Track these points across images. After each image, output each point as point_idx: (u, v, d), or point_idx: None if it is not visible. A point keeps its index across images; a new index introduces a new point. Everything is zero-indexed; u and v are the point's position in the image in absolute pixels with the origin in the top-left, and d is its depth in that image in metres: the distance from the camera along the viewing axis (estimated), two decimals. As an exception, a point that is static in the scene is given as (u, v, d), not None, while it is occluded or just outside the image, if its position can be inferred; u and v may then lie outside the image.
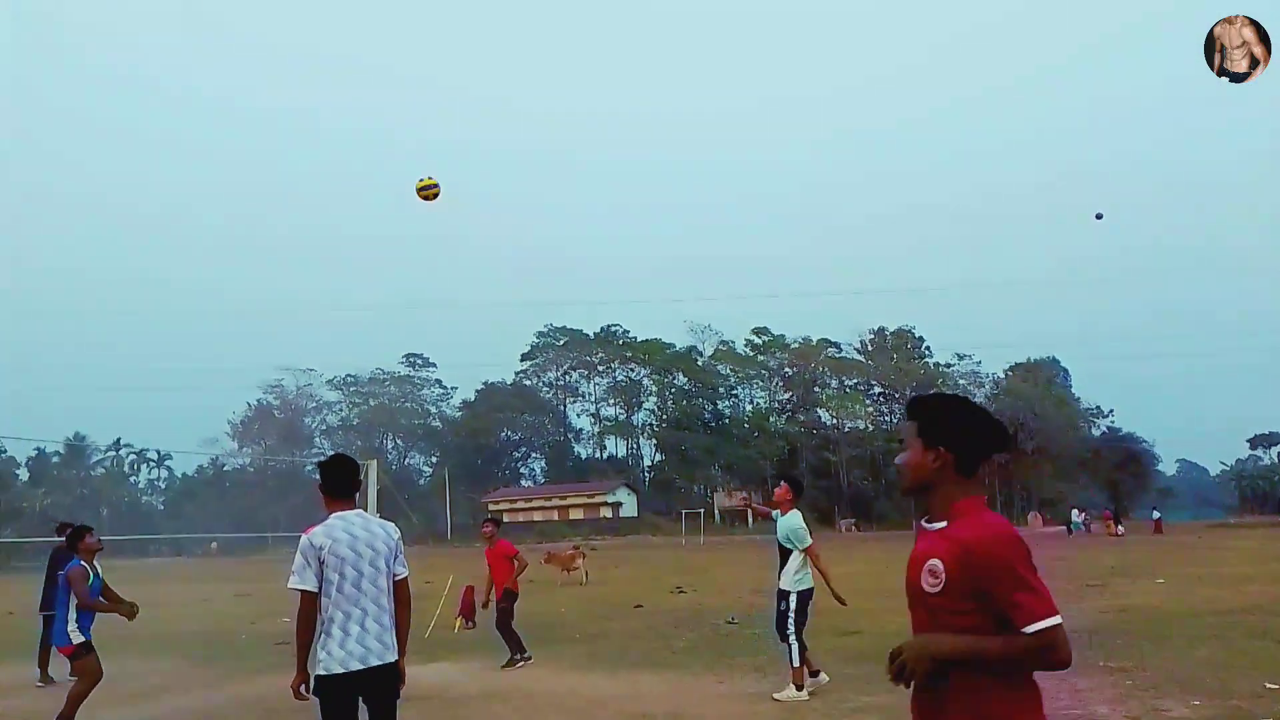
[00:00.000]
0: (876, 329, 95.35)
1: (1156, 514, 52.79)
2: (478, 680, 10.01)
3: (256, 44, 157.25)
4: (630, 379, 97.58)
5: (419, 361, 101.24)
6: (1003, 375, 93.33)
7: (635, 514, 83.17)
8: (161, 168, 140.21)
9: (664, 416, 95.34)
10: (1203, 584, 17.53)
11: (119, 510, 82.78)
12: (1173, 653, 9.70)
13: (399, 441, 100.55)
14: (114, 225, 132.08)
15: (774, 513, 8.71)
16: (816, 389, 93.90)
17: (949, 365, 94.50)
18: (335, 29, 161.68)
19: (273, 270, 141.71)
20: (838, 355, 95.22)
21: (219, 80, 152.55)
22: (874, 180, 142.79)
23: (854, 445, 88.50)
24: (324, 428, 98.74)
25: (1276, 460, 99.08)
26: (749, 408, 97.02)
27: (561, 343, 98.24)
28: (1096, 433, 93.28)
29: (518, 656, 10.63)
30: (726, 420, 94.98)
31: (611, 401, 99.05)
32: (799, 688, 8.09)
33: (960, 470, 2.48)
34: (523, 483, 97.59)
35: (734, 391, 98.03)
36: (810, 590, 8.36)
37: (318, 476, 4.70)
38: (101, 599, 7.86)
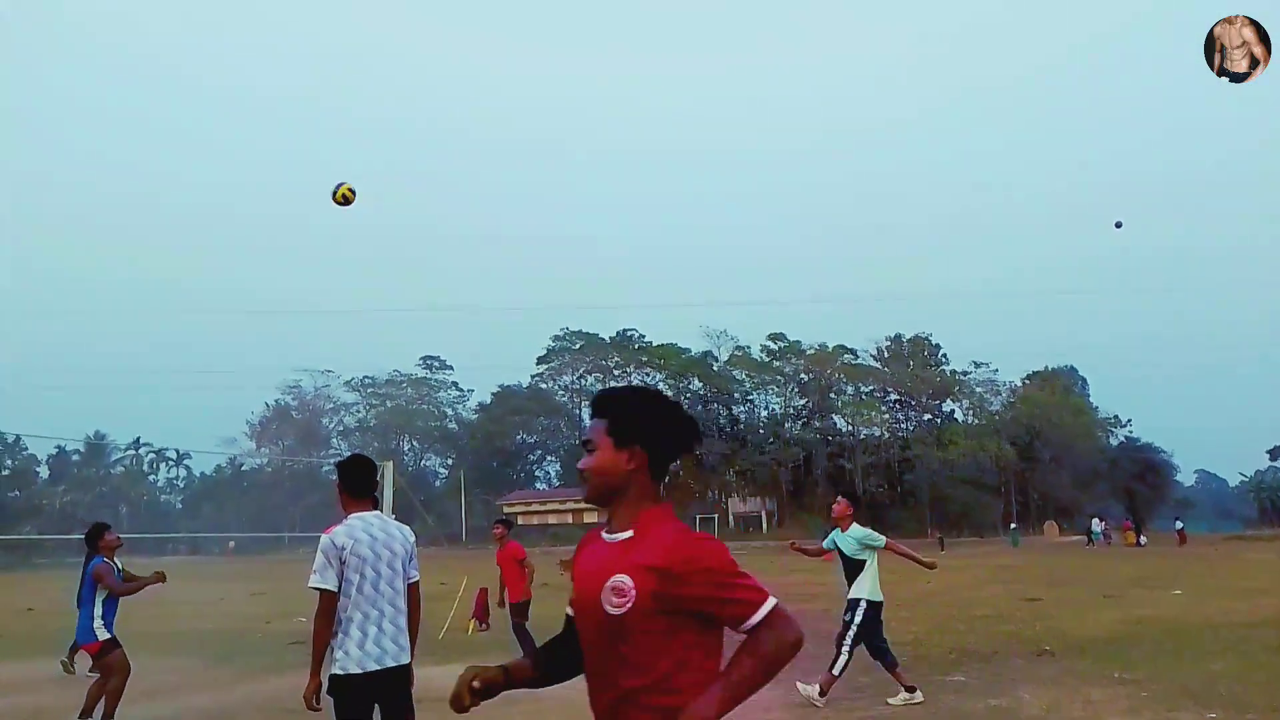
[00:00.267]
0: (893, 336, 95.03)
1: (1179, 525, 50.97)
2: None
3: (279, 34, 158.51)
4: (645, 383, 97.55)
5: (436, 364, 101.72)
6: (1020, 383, 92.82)
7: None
8: (183, 165, 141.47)
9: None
10: (1220, 596, 17.39)
11: (138, 508, 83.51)
12: (1188, 665, 9.63)
13: (415, 443, 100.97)
14: (134, 223, 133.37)
15: (833, 532, 8.60)
16: (832, 395, 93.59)
17: (965, 373, 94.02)
18: (351, 21, 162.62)
19: (291, 271, 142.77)
20: (854, 362, 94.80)
21: (240, 74, 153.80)
22: (891, 185, 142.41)
23: (869, 452, 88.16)
24: (341, 429, 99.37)
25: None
26: (764, 414, 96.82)
27: (577, 347, 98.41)
28: (1114, 442, 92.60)
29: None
30: (741, 426, 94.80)
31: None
32: (822, 693, 7.98)
33: (653, 473, 2.25)
34: (537, 485, 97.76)
35: (749, 397, 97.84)
36: (881, 603, 8.30)
37: (336, 477, 4.76)
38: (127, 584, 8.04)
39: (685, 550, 2.11)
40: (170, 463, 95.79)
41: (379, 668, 4.41)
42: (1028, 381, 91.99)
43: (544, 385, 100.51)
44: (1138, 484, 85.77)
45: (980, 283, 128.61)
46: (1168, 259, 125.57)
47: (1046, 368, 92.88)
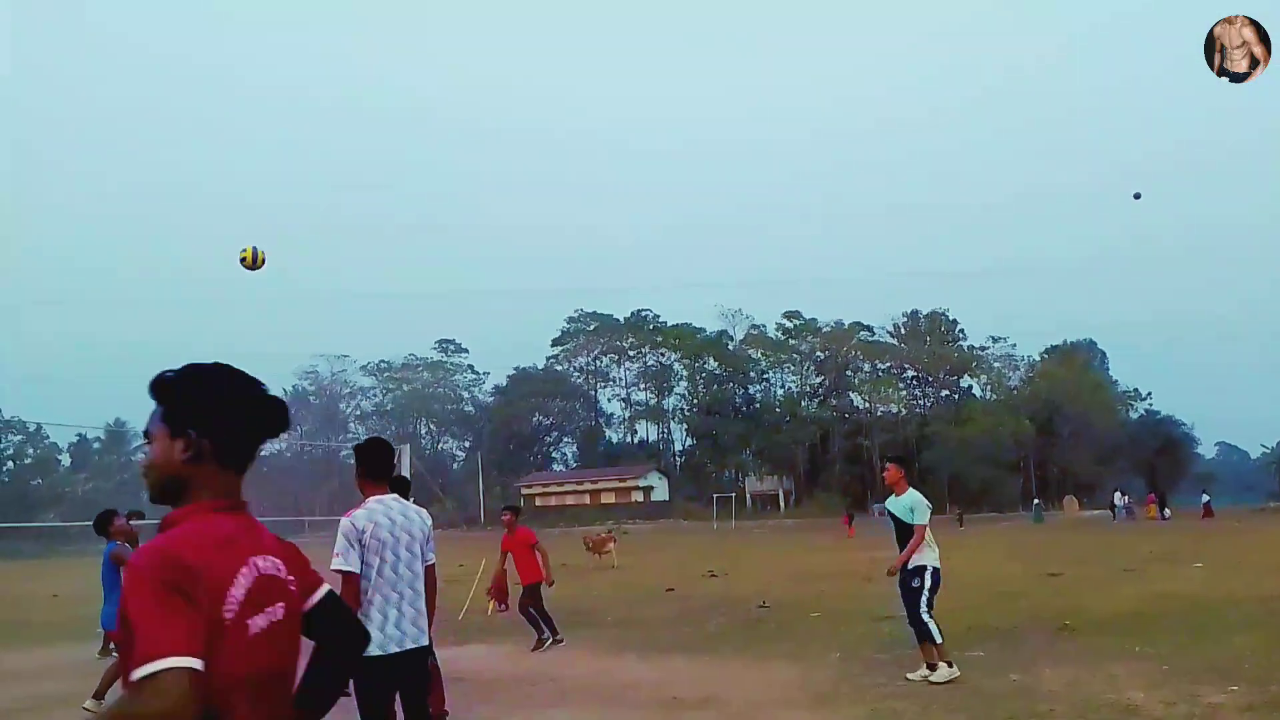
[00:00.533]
0: (910, 312, 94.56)
1: (1205, 498, 49.70)
2: (510, 663, 10.12)
3: (303, 29, 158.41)
4: (661, 364, 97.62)
5: (451, 347, 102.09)
6: (1038, 358, 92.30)
7: (667, 499, 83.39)
8: (202, 153, 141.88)
9: (695, 401, 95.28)
10: (1242, 570, 17.27)
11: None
12: (1210, 639, 9.58)
13: (432, 427, 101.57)
14: (152, 212, 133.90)
15: (889, 498, 8.57)
16: (849, 373, 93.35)
17: (983, 349, 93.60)
18: (372, 14, 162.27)
19: (307, 257, 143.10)
20: (870, 339, 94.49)
21: (257, 64, 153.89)
22: (908, 162, 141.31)
23: (887, 430, 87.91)
24: (359, 413, 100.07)
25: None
26: (780, 392, 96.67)
27: (592, 328, 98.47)
28: (1135, 416, 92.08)
29: (547, 637, 10.74)
30: (758, 405, 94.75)
31: (642, 386, 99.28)
32: (949, 664, 7.90)
33: (223, 464, 1.92)
34: (554, 467, 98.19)
35: (765, 376, 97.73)
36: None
37: (354, 461, 4.77)
38: None
39: (130, 565, 1.75)
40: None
41: (400, 650, 4.44)
42: (1046, 356, 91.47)
43: (559, 367, 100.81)
44: (1158, 458, 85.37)
45: (999, 258, 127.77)
46: (1187, 231, 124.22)
47: (1065, 342, 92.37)
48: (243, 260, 9.50)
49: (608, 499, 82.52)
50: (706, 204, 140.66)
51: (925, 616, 7.94)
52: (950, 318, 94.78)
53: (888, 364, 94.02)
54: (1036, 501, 59.83)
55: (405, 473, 14.46)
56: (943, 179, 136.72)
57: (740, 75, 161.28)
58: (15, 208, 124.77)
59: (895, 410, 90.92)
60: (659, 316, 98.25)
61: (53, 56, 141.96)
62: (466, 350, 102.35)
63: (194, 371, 1.96)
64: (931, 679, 7.82)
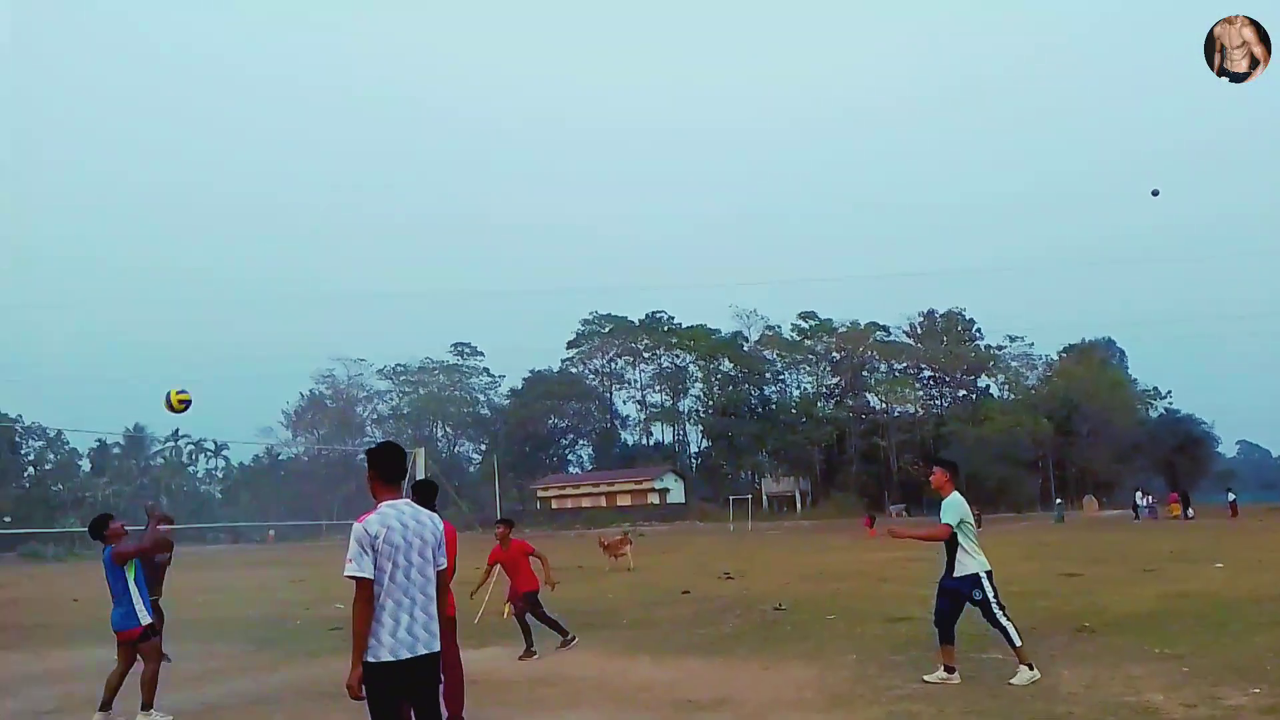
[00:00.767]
0: (926, 312, 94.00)
1: (1231, 496, 48.05)
2: (525, 665, 10.13)
3: (322, 29, 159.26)
4: (676, 365, 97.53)
5: (467, 350, 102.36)
6: (1056, 357, 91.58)
7: (683, 500, 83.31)
8: (219, 154, 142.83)
9: (710, 403, 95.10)
10: (1264, 569, 17.11)
11: (178, 499, 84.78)
12: (1231, 639, 9.49)
13: (448, 430, 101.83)
14: (171, 214, 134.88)
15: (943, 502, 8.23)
16: (865, 373, 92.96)
17: (1000, 347, 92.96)
18: (390, 14, 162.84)
19: (322, 259, 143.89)
20: (886, 339, 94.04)
21: (276, 64, 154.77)
22: (922, 160, 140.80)
23: (903, 430, 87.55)
24: (375, 417, 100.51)
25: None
26: (796, 393, 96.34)
27: (607, 330, 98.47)
28: (1154, 414, 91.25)
29: (535, 649, 10.53)
30: (774, 406, 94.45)
31: (657, 388, 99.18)
32: (1029, 666, 7.78)
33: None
34: (570, 469, 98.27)
35: (781, 377, 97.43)
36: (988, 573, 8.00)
37: (367, 465, 4.76)
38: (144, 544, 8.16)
39: None
40: (209, 453, 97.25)
41: (411, 655, 4.43)
42: (1064, 355, 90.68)
43: (574, 369, 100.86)
44: (1178, 456, 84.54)
45: (1015, 256, 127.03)
46: (1205, 227, 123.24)
47: (1084, 340, 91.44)
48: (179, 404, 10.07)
49: (623, 501, 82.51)
50: (721, 205, 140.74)
51: (1004, 620, 7.84)
52: (967, 317, 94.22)
53: (904, 364, 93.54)
54: (1059, 501, 59.25)
55: (420, 476, 14.50)
56: (956, 175, 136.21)
57: (756, 75, 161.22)
58: (37, 214, 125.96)
59: (912, 410, 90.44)
60: (674, 318, 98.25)
61: (101, 68, 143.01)
62: (482, 353, 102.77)
63: None
64: (1011, 682, 7.70)
